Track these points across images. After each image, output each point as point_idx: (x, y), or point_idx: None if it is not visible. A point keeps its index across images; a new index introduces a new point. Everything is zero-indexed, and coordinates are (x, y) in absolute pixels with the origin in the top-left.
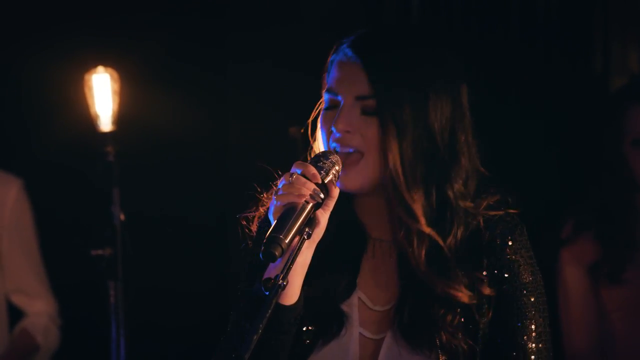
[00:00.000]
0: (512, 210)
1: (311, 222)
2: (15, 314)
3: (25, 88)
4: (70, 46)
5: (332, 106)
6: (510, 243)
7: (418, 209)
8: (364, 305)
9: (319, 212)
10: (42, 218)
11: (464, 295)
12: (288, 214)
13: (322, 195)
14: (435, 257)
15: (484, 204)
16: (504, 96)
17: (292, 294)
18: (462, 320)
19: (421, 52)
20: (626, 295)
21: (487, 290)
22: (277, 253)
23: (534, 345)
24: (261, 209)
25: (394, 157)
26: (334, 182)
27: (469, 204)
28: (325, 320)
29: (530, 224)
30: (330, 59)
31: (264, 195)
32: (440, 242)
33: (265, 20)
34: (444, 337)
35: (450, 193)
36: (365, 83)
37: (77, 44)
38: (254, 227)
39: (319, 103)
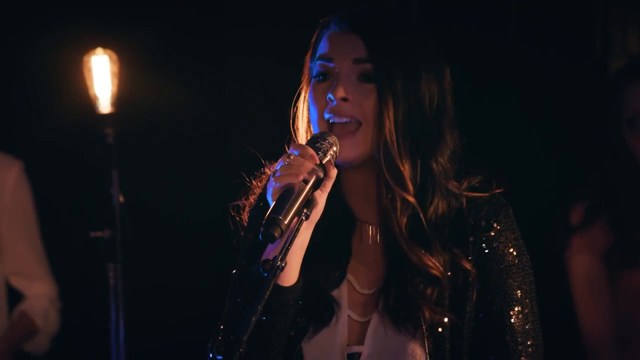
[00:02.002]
0: (496, 191)
1: (309, 203)
2: (16, 296)
3: (24, 70)
4: (69, 28)
5: (325, 77)
6: (495, 225)
7: (407, 176)
8: (352, 287)
9: (317, 193)
10: (41, 200)
11: (435, 269)
12: (286, 195)
13: (320, 175)
14: (415, 228)
15: (466, 184)
16: (504, 81)
17: (290, 275)
18: (444, 294)
19: (410, 31)
20: None
21: (467, 265)
22: (276, 234)
23: (521, 326)
24: (251, 198)
25: (390, 125)
26: (332, 162)
27: (452, 182)
28: (317, 309)
29: (532, 209)
30: (317, 35)
31: (254, 183)
32: (421, 213)
33: (266, 8)
34: (426, 313)
35: (434, 167)
36: (363, 48)
37: (77, 26)
38: (244, 216)
39: (299, 89)
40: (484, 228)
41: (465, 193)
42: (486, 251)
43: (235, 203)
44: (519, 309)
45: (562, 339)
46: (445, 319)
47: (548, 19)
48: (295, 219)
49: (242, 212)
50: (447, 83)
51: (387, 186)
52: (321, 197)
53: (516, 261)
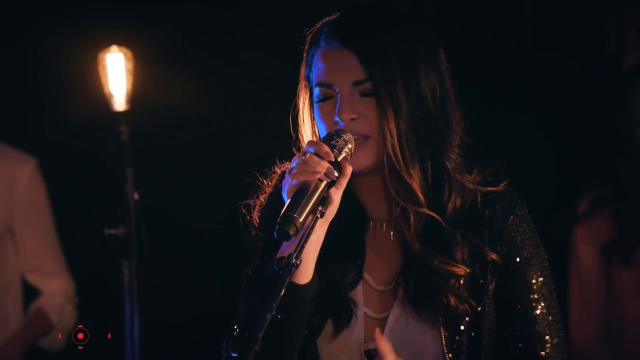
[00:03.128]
0: (503, 184)
1: (324, 200)
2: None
3: (39, 67)
4: (84, 25)
5: (327, 97)
6: (511, 219)
7: (416, 186)
8: (367, 285)
9: (332, 191)
10: (55, 197)
11: (460, 270)
12: (302, 192)
13: (335, 174)
14: (432, 231)
15: (478, 176)
16: (518, 79)
17: (306, 273)
18: (465, 286)
19: (401, 27)
20: (637, 277)
21: (489, 254)
22: (291, 232)
23: (544, 317)
24: (261, 197)
25: (392, 138)
26: (347, 160)
27: (467, 177)
28: (335, 310)
29: (543, 200)
30: (308, 53)
31: (264, 182)
32: (438, 218)
33: (279, 6)
34: (451, 300)
35: (447, 163)
36: (359, 67)
37: (91, 23)
38: (255, 215)
39: (296, 98)
40: (500, 222)
41: (478, 187)
42: (503, 246)
43: (246, 202)
44: (541, 299)
45: None
46: (467, 306)
47: (562, 17)
48: (310, 217)
49: (252, 211)
50: (444, 66)
51: (396, 197)
52: (336, 195)
53: (533, 252)
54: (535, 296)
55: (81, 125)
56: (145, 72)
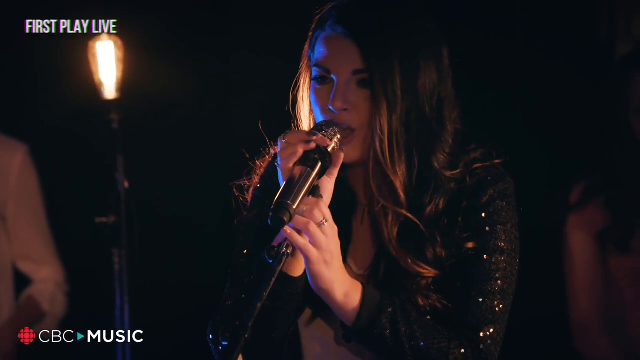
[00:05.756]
0: (496, 161)
1: (316, 189)
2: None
3: (30, 55)
4: (75, 13)
5: (323, 80)
6: (490, 191)
7: (399, 185)
8: (349, 270)
9: (325, 179)
10: (46, 186)
11: (428, 272)
12: (294, 179)
13: (315, 137)
14: (408, 231)
15: (469, 158)
16: (509, 62)
17: (299, 265)
18: (436, 282)
19: (408, 22)
20: (634, 264)
21: (468, 245)
22: (285, 218)
23: (493, 303)
24: (254, 178)
25: (382, 133)
26: (337, 149)
27: (454, 172)
28: (315, 295)
29: (537, 187)
30: (313, 34)
31: (257, 163)
32: (416, 221)
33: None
34: (419, 300)
35: (435, 164)
36: (359, 58)
37: (82, 11)
38: (248, 196)
39: (296, 76)
40: (480, 192)
41: (468, 167)
42: (478, 214)
43: (238, 183)
44: (497, 285)
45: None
46: (437, 303)
47: (553, 5)
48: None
49: (245, 192)
50: (446, 65)
51: (379, 193)
52: (329, 184)
53: (504, 229)
54: (493, 278)
55: (71, 113)
56: (135, 60)
